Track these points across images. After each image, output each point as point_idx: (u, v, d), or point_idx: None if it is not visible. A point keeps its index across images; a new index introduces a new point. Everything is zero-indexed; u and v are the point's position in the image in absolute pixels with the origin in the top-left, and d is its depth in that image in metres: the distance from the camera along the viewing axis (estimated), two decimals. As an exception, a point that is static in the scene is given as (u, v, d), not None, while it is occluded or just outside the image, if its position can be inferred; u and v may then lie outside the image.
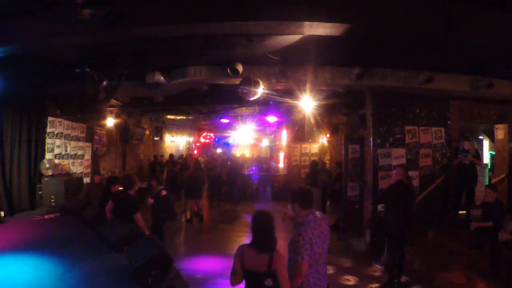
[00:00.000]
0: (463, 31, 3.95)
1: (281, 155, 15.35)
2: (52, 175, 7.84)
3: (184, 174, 10.58)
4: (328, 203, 9.46)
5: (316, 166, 9.64)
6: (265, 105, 9.85)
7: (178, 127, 18.55)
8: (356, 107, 7.68)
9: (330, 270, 5.52)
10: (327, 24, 3.88)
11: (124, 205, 5.01)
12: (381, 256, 6.00)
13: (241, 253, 2.67)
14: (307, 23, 3.87)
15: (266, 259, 2.59)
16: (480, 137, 10.36)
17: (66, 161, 8.84)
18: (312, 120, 10.02)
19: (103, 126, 10.69)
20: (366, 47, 5.10)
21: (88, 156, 9.86)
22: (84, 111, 9.09)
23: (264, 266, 2.59)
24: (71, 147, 9.06)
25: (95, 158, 10.39)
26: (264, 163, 17.20)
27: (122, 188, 5.48)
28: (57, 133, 8.48)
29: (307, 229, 2.70)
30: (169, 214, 7.05)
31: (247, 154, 22.90)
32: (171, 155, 14.29)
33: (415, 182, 6.73)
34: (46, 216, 6.66)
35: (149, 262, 3.86)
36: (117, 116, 10.99)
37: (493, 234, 4.91)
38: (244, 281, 2.71)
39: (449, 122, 7.03)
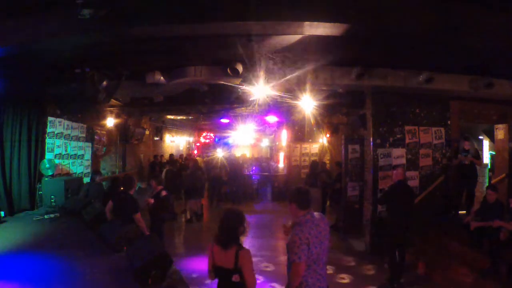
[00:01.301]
0: (463, 31, 3.95)
1: (281, 155, 15.34)
2: (52, 175, 7.84)
3: (184, 174, 10.58)
4: (328, 203, 9.46)
5: (316, 166, 9.63)
6: (265, 105, 9.84)
7: (178, 127, 18.56)
8: (356, 107, 7.68)
9: (330, 270, 5.52)
10: (327, 24, 3.88)
11: (124, 205, 5.01)
12: (379, 256, 6.02)
13: (211, 249, 2.77)
14: (307, 23, 3.87)
15: (232, 256, 2.67)
16: (480, 137, 10.35)
17: (66, 161, 8.84)
18: (312, 120, 10.02)
19: (103, 126, 10.69)
20: (366, 47, 5.10)
21: (88, 156, 9.85)
22: (84, 111, 9.08)
23: (230, 263, 2.67)
24: (71, 147, 9.06)
25: (95, 158, 10.38)
26: (264, 163, 17.19)
27: (122, 188, 5.48)
28: (57, 133, 8.48)
29: (303, 229, 2.70)
30: (169, 214, 7.04)
31: (248, 154, 22.87)
32: (171, 155, 14.29)
33: (415, 182, 6.72)
34: (46, 216, 6.66)
35: (149, 262, 3.86)
36: (117, 116, 10.99)
37: (493, 234, 4.91)
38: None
39: (449, 122, 7.02)
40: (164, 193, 5.73)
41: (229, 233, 2.75)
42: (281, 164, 15.23)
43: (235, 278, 2.65)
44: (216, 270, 2.77)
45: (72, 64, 5.84)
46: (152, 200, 5.58)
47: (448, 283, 5.05)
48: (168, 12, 3.91)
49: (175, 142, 19.20)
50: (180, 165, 13.12)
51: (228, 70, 5.75)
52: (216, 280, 2.83)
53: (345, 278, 5.45)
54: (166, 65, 6.21)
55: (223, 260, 2.70)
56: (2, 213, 6.64)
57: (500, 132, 7.78)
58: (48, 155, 8.06)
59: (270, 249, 6.80)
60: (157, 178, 6.10)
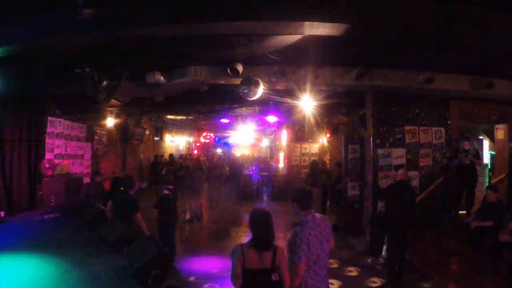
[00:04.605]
0: (463, 31, 3.94)
1: (281, 155, 15.35)
2: (52, 175, 7.85)
3: (183, 174, 10.56)
4: (328, 203, 9.45)
5: (316, 166, 9.63)
6: (265, 105, 9.85)
7: (178, 127, 18.56)
8: (356, 107, 7.68)
9: (332, 265, 5.53)
10: (327, 24, 3.87)
11: (125, 205, 5.01)
12: (379, 256, 6.02)
13: (242, 253, 2.68)
14: (307, 23, 3.87)
15: (270, 256, 2.66)
16: (480, 137, 10.35)
17: (66, 161, 8.84)
18: (312, 120, 10.03)
19: (103, 126, 10.70)
20: (366, 47, 5.10)
21: (88, 156, 9.86)
22: (84, 111, 9.09)
23: (268, 263, 2.65)
24: (71, 147, 9.06)
25: (95, 158, 10.39)
26: (264, 163, 17.19)
27: (122, 188, 5.48)
28: (57, 133, 8.49)
29: (304, 229, 2.69)
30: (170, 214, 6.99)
31: (248, 153, 22.86)
32: (171, 155, 14.28)
33: (415, 182, 6.72)
34: (46, 216, 6.66)
35: (149, 262, 3.86)
36: (117, 116, 10.99)
37: (493, 234, 4.92)
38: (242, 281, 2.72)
39: (449, 122, 7.02)
40: (165, 192, 5.70)
41: (269, 234, 2.73)
42: (281, 164, 15.24)
43: (275, 277, 2.65)
44: (248, 273, 2.68)
45: (72, 64, 5.83)
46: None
47: (448, 283, 5.05)
48: (168, 13, 3.91)
49: (175, 142, 19.21)
50: (180, 165, 13.12)
51: (228, 70, 5.75)
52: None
53: (344, 278, 5.46)
54: (166, 65, 6.21)
55: (258, 262, 2.67)
56: (2, 213, 6.64)
57: (500, 132, 7.78)
58: (48, 155, 8.06)
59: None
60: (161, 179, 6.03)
